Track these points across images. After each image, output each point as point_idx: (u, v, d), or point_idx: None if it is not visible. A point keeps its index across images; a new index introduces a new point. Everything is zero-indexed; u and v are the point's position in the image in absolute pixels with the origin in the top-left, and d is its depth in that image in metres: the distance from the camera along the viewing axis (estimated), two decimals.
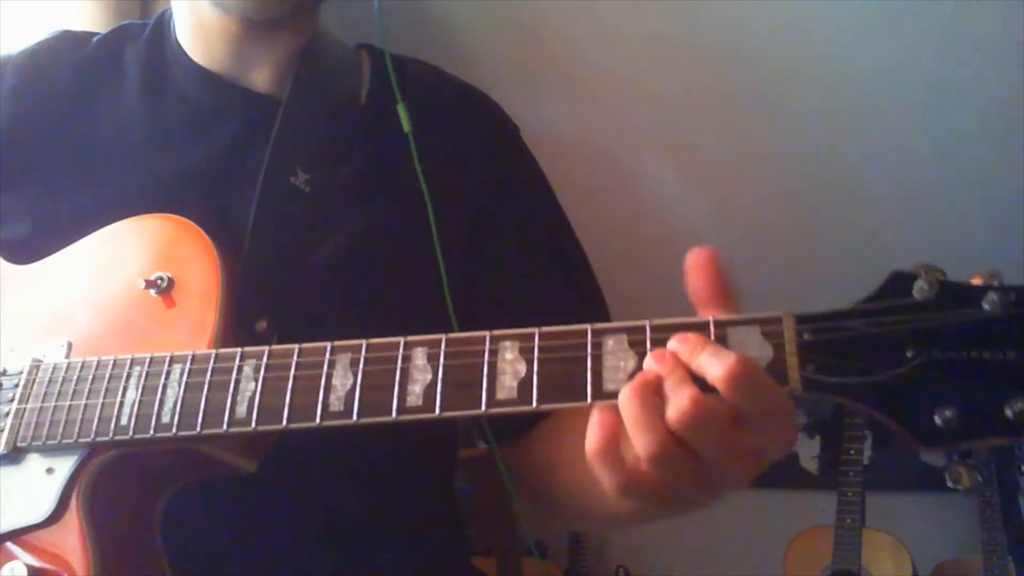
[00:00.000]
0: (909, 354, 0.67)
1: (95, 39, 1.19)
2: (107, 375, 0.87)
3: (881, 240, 2.96)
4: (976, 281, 0.69)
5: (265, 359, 0.83)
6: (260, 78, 1.12)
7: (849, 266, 2.89)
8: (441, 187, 1.10)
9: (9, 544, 0.86)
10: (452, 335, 0.80)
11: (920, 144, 2.78)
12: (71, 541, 0.83)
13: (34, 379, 0.90)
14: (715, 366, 0.69)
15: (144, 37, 1.18)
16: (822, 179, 2.93)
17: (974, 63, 2.56)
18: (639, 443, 0.70)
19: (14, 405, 0.89)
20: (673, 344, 0.72)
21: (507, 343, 0.78)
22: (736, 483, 0.74)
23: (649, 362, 0.72)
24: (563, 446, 1.06)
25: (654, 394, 0.71)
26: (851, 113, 2.75)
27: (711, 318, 0.73)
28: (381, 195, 1.11)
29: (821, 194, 2.96)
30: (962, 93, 2.65)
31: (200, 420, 0.82)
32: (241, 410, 0.82)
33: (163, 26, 1.17)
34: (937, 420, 0.65)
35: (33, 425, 0.87)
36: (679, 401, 0.69)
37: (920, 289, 0.69)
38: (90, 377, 0.87)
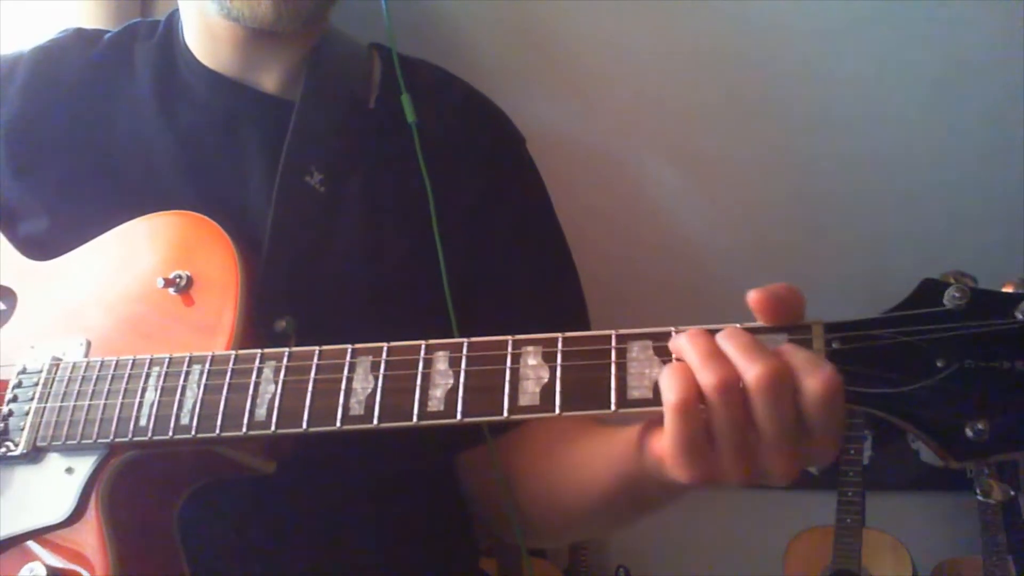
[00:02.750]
0: (940, 364, 0.67)
1: (106, 37, 1.19)
2: (126, 375, 0.87)
3: (883, 241, 2.96)
4: (1008, 288, 0.68)
5: (285, 361, 0.83)
6: (270, 81, 1.12)
7: (853, 268, 2.90)
8: (444, 183, 1.11)
9: (30, 543, 0.86)
10: (474, 339, 0.79)
11: (923, 146, 2.78)
12: (91, 541, 0.83)
13: (54, 378, 0.90)
14: (811, 377, 0.67)
15: (155, 37, 1.17)
16: (824, 180, 2.93)
17: (976, 64, 2.56)
18: (709, 373, 0.69)
19: (34, 404, 0.89)
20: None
21: (530, 348, 0.77)
22: (776, 479, 0.71)
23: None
24: (547, 442, 1.07)
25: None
26: (853, 114, 2.74)
27: (738, 325, 0.73)
28: (392, 194, 1.11)
29: (823, 195, 2.96)
30: (965, 95, 2.65)
31: (219, 422, 0.82)
32: (260, 413, 0.81)
33: (173, 27, 1.17)
34: (968, 432, 0.65)
35: (53, 424, 0.87)
36: (765, 360, 0.68)
37: (951, 298, 0.68)
38: (109, 377, 0.87)
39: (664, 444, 0.72)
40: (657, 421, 0.77)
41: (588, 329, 1.14)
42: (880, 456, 3.34)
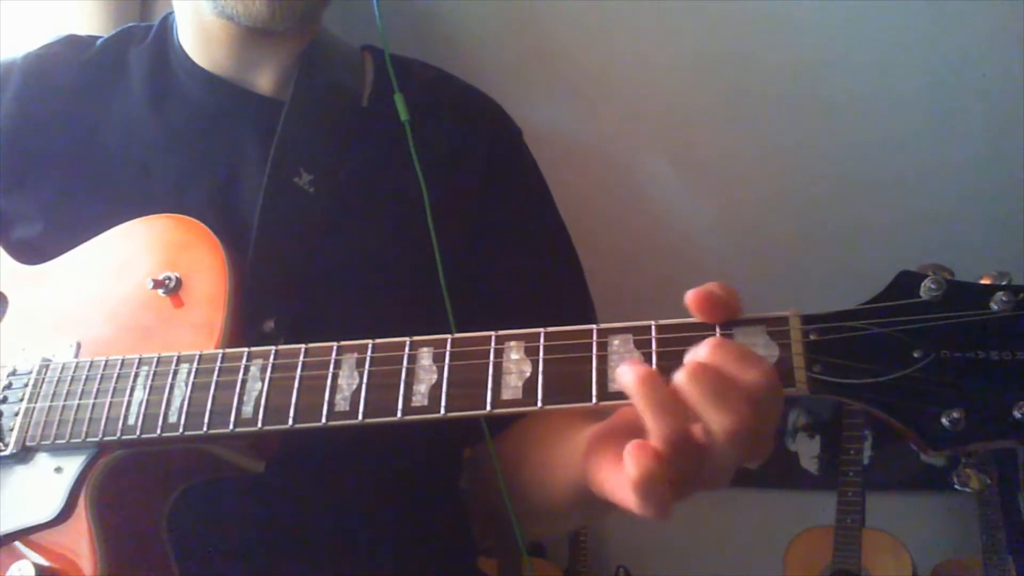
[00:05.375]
0: (916, 355, 0.67)
1: (99, 42, 1.19)
2: (115, 375, 0.87)
3: (881, 239, 2.96)
4: (985, 281, 0.68)
5: (272, 359, 0.84)
6: (263, 81, 1.13)
7: (850, 266, 2.89)
8: (441, 184, 1.11)
9: (17, 544, 0.86)
10: (458, 335, 0.80)
11: (921, 143, 2.78)
12: (79, 540, 0.84)
13: (43, 378, 0.90)
14: (750, 371, 0.68)
15: (148, 40, 1.18)
16: (822, 179, 2.93)
17: (975, 63, 2.56)
18: (716, 417, 0.68)
19: (23, 404, 0.90)
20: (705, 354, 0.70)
21: (512, 343, 0.78)
22: (714, 484, 0.73)
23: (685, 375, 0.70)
24: (529, 440, 1.08)
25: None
26: (851, 113, 2.75)
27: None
28: (384, 194, 1.12)
29: (821, 194, 2.96)
30: (963, 93, 2.65)
31: (206, 420, 0.83)
32: (247, 410, 0.82)
33: (166, 29, 1.18)
34: (944, 421, 0.65)
35: (42, 424, 0.88)
36: (754, 374, 0.68)
37: (928, 289, 0.69)
38: (98, 377, 0.88)
39: (622, 487, 0.73)
40: (598, 448, 0.79)
41: (595, 320, 1.15)
42: (880, 456, 3.34)
